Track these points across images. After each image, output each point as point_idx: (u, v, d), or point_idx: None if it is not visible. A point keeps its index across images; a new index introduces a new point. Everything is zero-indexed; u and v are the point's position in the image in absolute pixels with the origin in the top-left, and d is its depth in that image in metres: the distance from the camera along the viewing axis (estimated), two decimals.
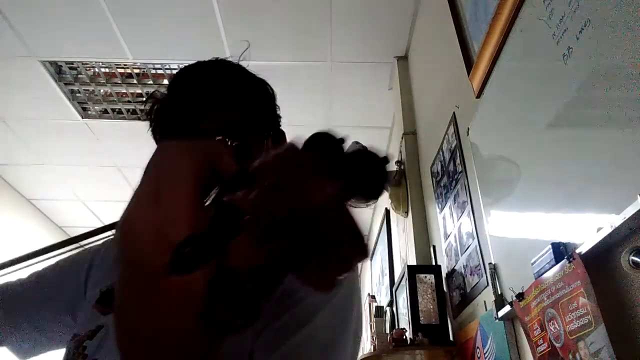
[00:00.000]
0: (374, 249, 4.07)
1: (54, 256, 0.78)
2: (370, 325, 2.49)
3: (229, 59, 0.64)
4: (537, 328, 1.01)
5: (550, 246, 0.95)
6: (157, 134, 0.63)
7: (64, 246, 0.79)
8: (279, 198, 0.22)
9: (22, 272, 0.76)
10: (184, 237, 0.22)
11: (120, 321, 0.26)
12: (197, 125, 0.57)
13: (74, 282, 0.67)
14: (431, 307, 1.75)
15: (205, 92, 0.59)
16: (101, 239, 0.73)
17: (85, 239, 0.76)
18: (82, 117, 3.29)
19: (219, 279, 0.22)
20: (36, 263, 0.76)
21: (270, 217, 0.22)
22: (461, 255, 1.67)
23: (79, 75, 2.98)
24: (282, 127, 0.72)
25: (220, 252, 0.22)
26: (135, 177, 3.99)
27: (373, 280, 4.04)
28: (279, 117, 0.69)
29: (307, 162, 0.24)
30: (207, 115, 0.57)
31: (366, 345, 2.52)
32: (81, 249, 0.74)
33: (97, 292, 0.61)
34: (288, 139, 0.70)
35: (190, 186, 0.24)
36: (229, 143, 0.55)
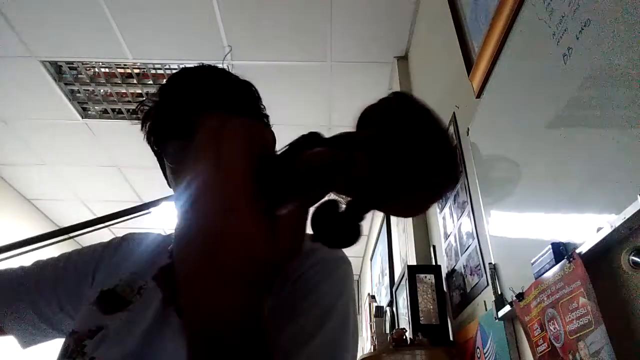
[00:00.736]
0: (374, 249, 4.07)
1: (42, 247, 0.79)
2: (370, 325, 2.49)
3: (215, 64, 0.66)
4: (537, 328, 1.01)
5: (550, 246, 0.95)
6: (151, 138, 0.66)
7: (54, 236, 0.80)
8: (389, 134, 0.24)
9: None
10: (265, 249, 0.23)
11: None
12: (182, 127, 0.59)
13: (85, 272, 0.68)
14: (431, 307, 1.75)
15: (187, 98, 0.61)
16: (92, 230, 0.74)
17: (75, 230, 0.77)
18: (82, 117, 3.29)
19: (325, 209, 0.24)
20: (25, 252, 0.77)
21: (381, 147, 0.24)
22: (461, 255, 1.67)
23: (79, 75, 2.98)
24: (279, 127, 0.73)
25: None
26: (135, 177, 3.99)
27: (373, 280, 4.04)
28: (266, 116, 0.71)
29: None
30: (192, 118, 0.59)
31: (366, 345, 2.52)
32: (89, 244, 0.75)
33: (97, 291, 0.62)
34: (277, 138, 0.71)
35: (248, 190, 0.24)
36: None
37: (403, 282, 1.99)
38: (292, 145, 0.26)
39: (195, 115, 0.59)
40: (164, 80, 0.68)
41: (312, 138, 0.26)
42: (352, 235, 0.25)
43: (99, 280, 0.65)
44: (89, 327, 0.57)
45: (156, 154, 0.67)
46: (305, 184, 0.24)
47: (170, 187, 0.67)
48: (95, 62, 2.87)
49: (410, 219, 2.33)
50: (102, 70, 2.96)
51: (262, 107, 0.70)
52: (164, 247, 0.69)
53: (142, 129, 0.66)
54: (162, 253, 0.66)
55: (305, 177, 0.24)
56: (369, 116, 0.26)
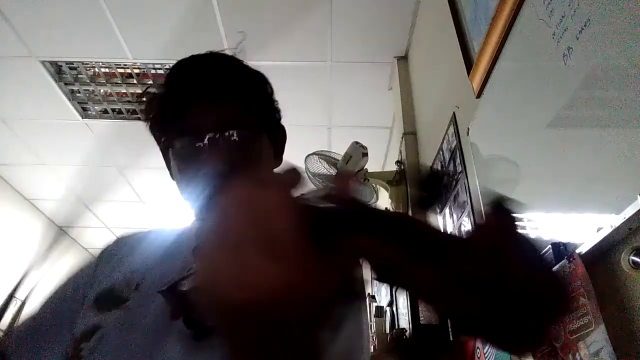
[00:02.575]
0: None
1: None
2: (370, 325, 2.49)
3: (225, 52, 0.64)
4: None
5: (550, 246, 0.95)
6: (155, 130, 0.63)
7: None
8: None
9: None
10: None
11: None
12: (191, 121, 0.57)
13: (69, 310, 0.61)
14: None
15: (196, 87, 0.58)
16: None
17: None
18: (82, 117, 3.29)
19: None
20: None
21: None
22: None
23: (79, 75, 2.98)
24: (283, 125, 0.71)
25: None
26: (135, 177, 3.99)
27: (373, 280, 4.04)
28: (278, 110, 0.68)
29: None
30: (199, 111, 0.57)
31: None
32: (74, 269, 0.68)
33: (94, 296, 0.60)
34: (288, 135, 0.70)
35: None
36: (220, 139, 0.55)
37: None
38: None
39: (188, 111, 0.57)
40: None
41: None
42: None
43: (94, 291, 0.62)
44: (85, 328, 0.54)
45: (161, 145, 0.64)
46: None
47: (173, 180, 0.64)
48: (95, 62, 2.87)
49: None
50: (102, 70, 2.96)
51: (275, 100, 0.67)
52: (175, 246, 0.64)
53: (145, 119, 0.63)
54: (175, 255, 0.61)
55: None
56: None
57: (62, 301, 0.63)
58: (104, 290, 0.59)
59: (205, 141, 0.55)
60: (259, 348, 0.24)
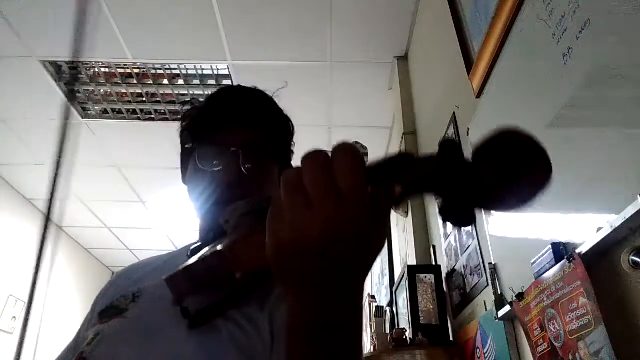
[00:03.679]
0: None
1: None
2: (370, 325, 2.49)
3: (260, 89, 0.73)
4: (537, 328, 1.01)
5: (550, 246, 0.95)
6: (185, 134, 0.71)
7: None
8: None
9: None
10: None
11: None
12: (220, 136, 0.65)
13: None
14: (431, 307, 1.75)
15: (235, 110, 0.67)
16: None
17: None
18: (82, 117, 3.29)
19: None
20: None
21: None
22: (461, 255, 1.67)
23: (79, 75, 2.98)
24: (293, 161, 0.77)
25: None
26: (135, 177, 3.99)
27: (373, 280, 4.04)
28: (293, 152, 0.76)
29: None
30: (231, 130, 0.66)
31: (366, 345, 2.52)
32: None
33: (97, 315, 0.64)
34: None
35: None
36: (240, 159, 0.63)
37: (403, 282, 1.99)
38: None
39: (222, 127, 0.66)
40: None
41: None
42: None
43: (97, 312, 0.66)
44: (87, 340, 0.58)
45: (184, 149, 0.72)
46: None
47: (185, 183, 0.71)
48: (95, 62, 2.87)
49: (410, 219, 2.33)
50: (102, 70, 2.96)
51: (293, 142, 0.76)
52: (171, 261, 0.69)
53: (181, 124, 0.72)
54: (170, 267, 0.66)
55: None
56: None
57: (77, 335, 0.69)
58: (104, 307, 0.63)
59: (229, 153, 0.64)
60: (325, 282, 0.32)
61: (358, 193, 0.30)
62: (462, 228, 1.66)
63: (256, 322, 0.53)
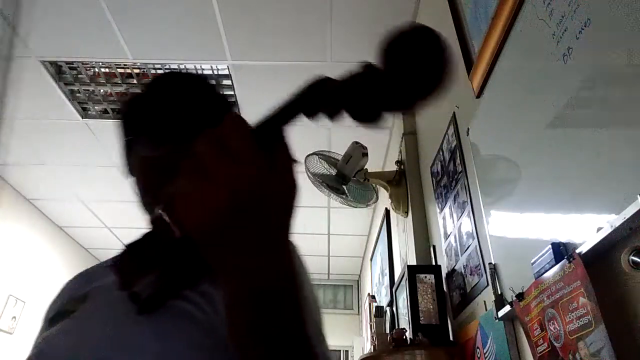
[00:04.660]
0: (374, 249, 4.07)
1: None
2: (370, 325, 2.49)
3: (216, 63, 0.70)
4: (537, 328, 1.01)
5: (550, 246, 0.95)
6: (123, 127, 0.67)
7: None
8: None
9: None
10: None
11: None
12: (133, 144, 0.63)
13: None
14: (431, 307, 1.75)
15: (168, 100, 0.64)
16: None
17: None
18: (82, 117, 3.29)
19: None
20: None
21: None
22: (461, 255, 1.67)
23: (79, 75, 2.98)
24: None
25: None
26: None
27: (373, 280, 4.04)
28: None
29: None
30: (138, 144, 0.63)
31: (366, 345, 2.51)
32: None
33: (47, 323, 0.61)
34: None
35: None
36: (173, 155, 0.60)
37: (403, 282, 1.99)
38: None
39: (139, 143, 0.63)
40: (147, 83, 0.69)
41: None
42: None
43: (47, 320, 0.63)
44: (33, 345, 0.55)
45: (127, 141, 0.68)
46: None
47: (129, 175, 0.67)
48: (95, 62, 2.87)
49: (410, 219, 2.33)
50: (102, 70, 2.96)
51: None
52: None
53: (119, 114, 0.68)
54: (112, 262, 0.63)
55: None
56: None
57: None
58: (54, 314, 0.60)
59: (162, 152, 0.60)
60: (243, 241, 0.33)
61: (247, 152, 0.33)
62: (461, 228, 1.66)
63: (210, 294, 0.51)
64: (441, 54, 0.33)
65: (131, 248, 0.42)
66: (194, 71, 2.89)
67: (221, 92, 0.70)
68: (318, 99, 0.38)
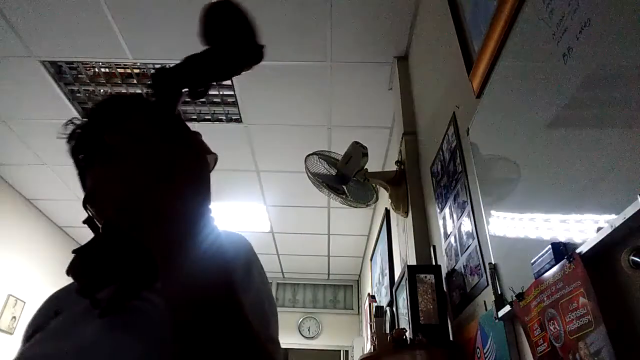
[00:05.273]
0: (374, 249, 4.07)
1: None
2: (370, 325, 2.49)
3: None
4: (537, 328, 1.01)
5: (550, 246, 0.95)
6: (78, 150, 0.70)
7: None
8: None
9: None
10: None
11: None
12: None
13: None
14: (431, 307, 1.75)
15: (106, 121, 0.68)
16: None
17: None
18: (82, 117, 3.29)
19: None
20: None
21: None
22: (461, 255, 1.67)
23: (79, 75, 2.98)
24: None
25: None
26: None
27: (373, 280, 4.04)
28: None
29: None
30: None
31: (366, 345, 2.51)
32: None
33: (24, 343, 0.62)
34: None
35: None
36: None
37: (403, 282, 1.99)
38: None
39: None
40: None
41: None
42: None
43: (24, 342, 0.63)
44: None
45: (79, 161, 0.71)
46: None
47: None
48: (95, 62, 2.87)
49: (410, 219, 2.33)
50: (102, 70, 2.96)
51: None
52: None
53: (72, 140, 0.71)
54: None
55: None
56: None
57: None
58: (29, 333, 0.61)
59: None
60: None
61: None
62: (461, 227, 1.66)
63: (159, 290, 0.52)
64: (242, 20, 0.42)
65: (80, 252, 0.44)
66: None
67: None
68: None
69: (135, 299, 0.52)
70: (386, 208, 3.17)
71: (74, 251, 0.45)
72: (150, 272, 0.51)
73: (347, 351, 5.87)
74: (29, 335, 0.61)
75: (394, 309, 2.34)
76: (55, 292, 0.70)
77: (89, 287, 0.48)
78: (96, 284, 0.48)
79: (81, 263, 0.45)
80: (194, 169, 0.38)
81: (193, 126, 0.73)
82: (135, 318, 0.50)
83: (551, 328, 0.94)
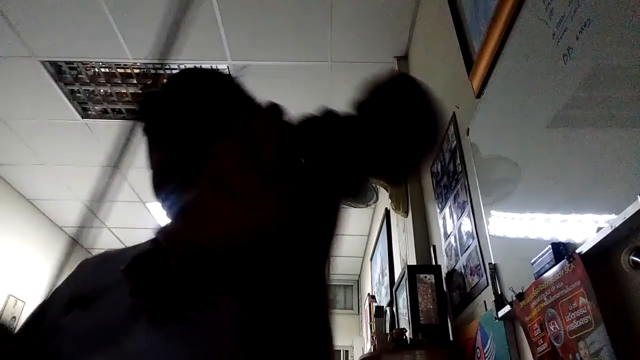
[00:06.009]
0: (374, 249, 4.07)
1: None
2: (370, 325, 2.49)
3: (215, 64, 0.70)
4: (537, 328, 1.01)
5: (550, 246, 0.95)
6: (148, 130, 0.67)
7: None
8: None
9: None
10: None
11: None
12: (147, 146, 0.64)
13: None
14: (431, 307, 1.75)
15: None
16: None
17: None
18: (82, 117, 3.29)
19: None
20: None
21: None
22: (461, 255, 1.67)
23: (79, 75, 2.98)
24: None
25: None
26: (135, 177, 3.99)
27: (373, 280, 4.04)
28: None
29: None
30: (150, 147, 0.64)
31: (366, 345, 2.51)
32: None
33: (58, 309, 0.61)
34: None
35: None
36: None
37: (403, 282, 1.99)
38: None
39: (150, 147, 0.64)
40: (164, 80, 0.68)
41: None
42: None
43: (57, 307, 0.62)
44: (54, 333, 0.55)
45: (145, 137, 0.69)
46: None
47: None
48: (95, 62, 2.87)
49: (410, 219, 2.33)
50: (102, 70, 2.96)
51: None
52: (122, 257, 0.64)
53: (137, 111, 0.69)
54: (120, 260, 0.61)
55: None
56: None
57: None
58: (72, 297, 0.60)
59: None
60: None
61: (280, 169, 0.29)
62: (461, 227, 1.66)
63: (218, 306, 0.50)
64: (430, 108, 0.29)
65: (140, 258, 0.42)
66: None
67: (246, 92, 0.70)
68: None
69: (189, 309, 0.50)
70: (386, 208, 3.17)
71: (135, 257, 0.43)
72: (208, 283, 0.51)
73: (347, 351, 5.87)
74: (70, 302, 0.59)
75: (394, 309, 2.34)
76: (90, 260, 0.68)
77: (142, 289, 0.47)
78: (151, 288, 0.46)
79: (141, 266, 0.44)
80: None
81: None
82: (189, 329, 0.49)
83: (551, 328, 0.94)
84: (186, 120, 0.61)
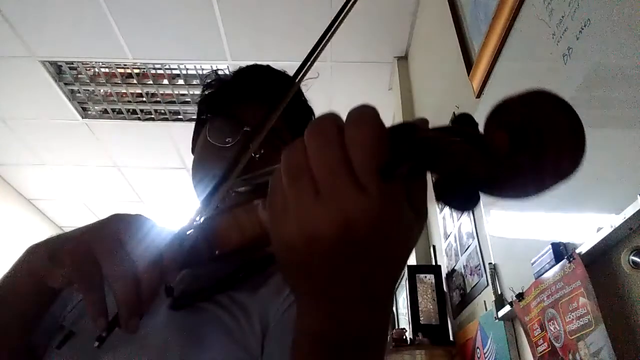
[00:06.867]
0: None
1: None
2: None
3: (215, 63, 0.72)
4: (537, 328, 1.01)
5: (550, 246, 0.95)
6: (204, 104, 0.68)
7: None
8: None
9: None
10: None
11: None
12: (236, 110, 0.62)
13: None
14: (431, 307, 1.75)
15: (257, 85, 0.64)
16: None
17: None
18: (82, 117, 3.29)
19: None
20: None
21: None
22: (461, 255, 1.67)
23: (79, 75, 2.98)
24: None
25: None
26: (135, 177, 3.99)
27: None
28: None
29: None
30: (249, 106, 0.62)
31: None
32: None
33: None
34: None
35: None
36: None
37: (403, 282, 1.99)
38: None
39: (254, 107, 0.62)
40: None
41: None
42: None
43: None
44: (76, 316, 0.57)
45: (199, 119, 0.69)
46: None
47: (193, 153, 0.68)
48: (95, 62, 2.87)
49: None
50: (102, 70, 2.96)
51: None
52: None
53: (202, 93, 0.69)
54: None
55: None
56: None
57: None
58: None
59: (242, 132, 0.59)
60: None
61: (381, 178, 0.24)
62: (461, 228, 1.66)
63: (246, 308, 0.50)
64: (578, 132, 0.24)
65: (178, 241, 0.42)
66: (195, 71, 2.89)
67: (304, 98, 0.73)
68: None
69: (206, 300, 0.51)
70: None
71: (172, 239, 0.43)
72: (233, 279, 0.51)
73: None
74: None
75: (394, 309, 2.34)
76: None
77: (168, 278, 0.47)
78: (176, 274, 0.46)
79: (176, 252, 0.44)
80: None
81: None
82: (218, 331, 0.49)
83: (551, 328, 0.94)
84: (252, 113, 0.61)
